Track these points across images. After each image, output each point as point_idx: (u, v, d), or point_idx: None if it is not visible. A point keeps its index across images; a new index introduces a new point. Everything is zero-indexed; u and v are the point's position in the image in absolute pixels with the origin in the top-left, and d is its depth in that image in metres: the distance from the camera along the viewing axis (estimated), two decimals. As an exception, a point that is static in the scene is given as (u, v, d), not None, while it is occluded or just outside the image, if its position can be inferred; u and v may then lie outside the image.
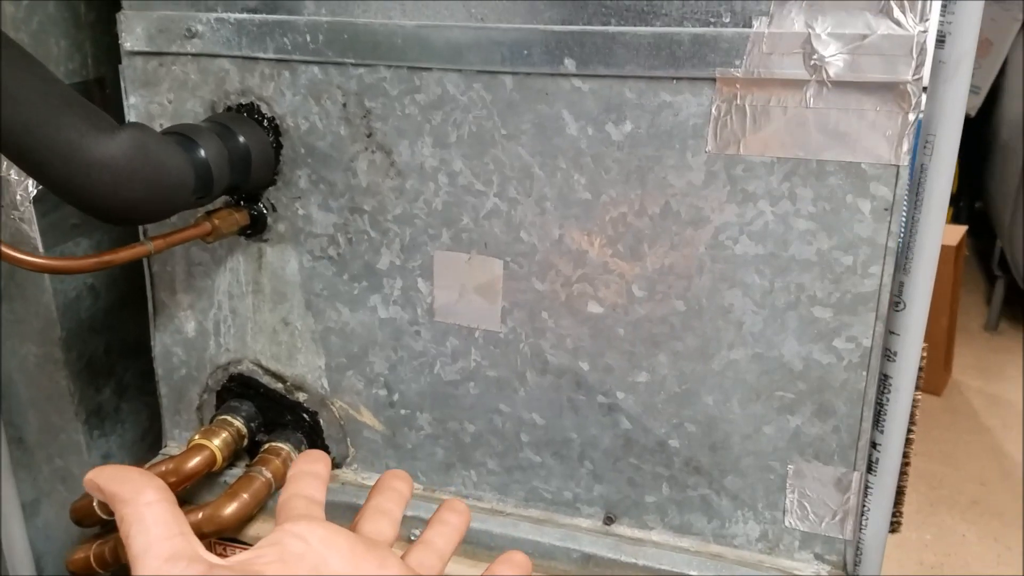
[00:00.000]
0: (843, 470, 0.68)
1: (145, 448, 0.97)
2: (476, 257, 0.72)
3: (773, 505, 0.70)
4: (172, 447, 0.89)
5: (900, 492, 0.93)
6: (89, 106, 0.61)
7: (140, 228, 0.79)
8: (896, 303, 0.65)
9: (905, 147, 0.59)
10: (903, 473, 0.92)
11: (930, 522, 2.68)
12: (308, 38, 0.70)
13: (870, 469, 0.69)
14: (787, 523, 0.70)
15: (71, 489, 0.94)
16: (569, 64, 0.64)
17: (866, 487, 0.70)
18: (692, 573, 0.71)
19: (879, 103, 0.59)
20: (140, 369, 0.96)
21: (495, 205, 0.70)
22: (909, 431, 0.85)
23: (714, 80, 0.62)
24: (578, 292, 0.70)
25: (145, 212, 0.63)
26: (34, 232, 0.83)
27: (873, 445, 0.69)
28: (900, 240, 0.64)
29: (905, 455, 0.87)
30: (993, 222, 3.66)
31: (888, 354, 0.66)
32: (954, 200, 3.65)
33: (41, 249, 0.83)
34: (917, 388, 0.82)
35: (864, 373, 0.65)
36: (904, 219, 0.63)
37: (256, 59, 0.72)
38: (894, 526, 0.95)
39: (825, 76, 0.59)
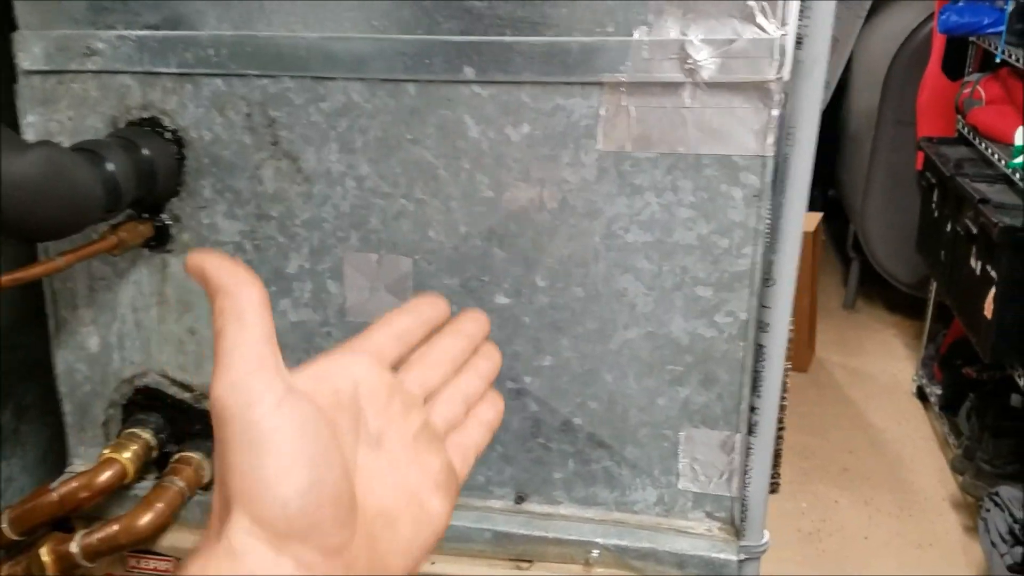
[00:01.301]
0: (727, 433, 0.75)
1: (47, 469, 0.96)
2: (386, 257, 0.75)
3: (668, 471, 0.77)
4: (78, 464, 0.88)
5: (777, 455, 1.02)
6: (-4, 124, 0.61)
7: (40, 245, 0.79)
8: (767, 279, 0.72)
9: (770, 140, 0.67)
10: (779, 437, 1.01)
11: (805, 491, 2.86)
12: (211, 52, 0.72)
13: (751, 432, 0.77)
14: (681, 486, 0.77)
15: (-31, 516, 0.92)
16: (469, 72, 0.69)
17: (748, 448, 0.77)
18: (598, 540, 0.77)
19: (747, 101, 0.66)
20: (39, 390, 0.94)
21: (402, 206, 0.74)
22: (782, 399, 0.94)
23: (601, 84, 0.68)
24: (484, 285, 0.75)
25: (58, 228, 0.64)
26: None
27: (752, 409, 0.76)
28: (768, 223, 0.71)
29: (780, 421, 0.96)
30: (846, 208, 3.93)
31: (762, 325, 0.74)
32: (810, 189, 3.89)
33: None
34: (787, 358, 0.90)
35: (742, 344, 0.73)
36: (771, 204, 0.71)
37: (158, 74, 0.73)
38: (773, 487, 1.04)
39: (699, 78, 0.66)
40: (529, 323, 0.75)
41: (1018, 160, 2.40)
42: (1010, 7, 2.59)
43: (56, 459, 0.96)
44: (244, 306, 0.37)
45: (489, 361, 0.52)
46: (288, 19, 0.70)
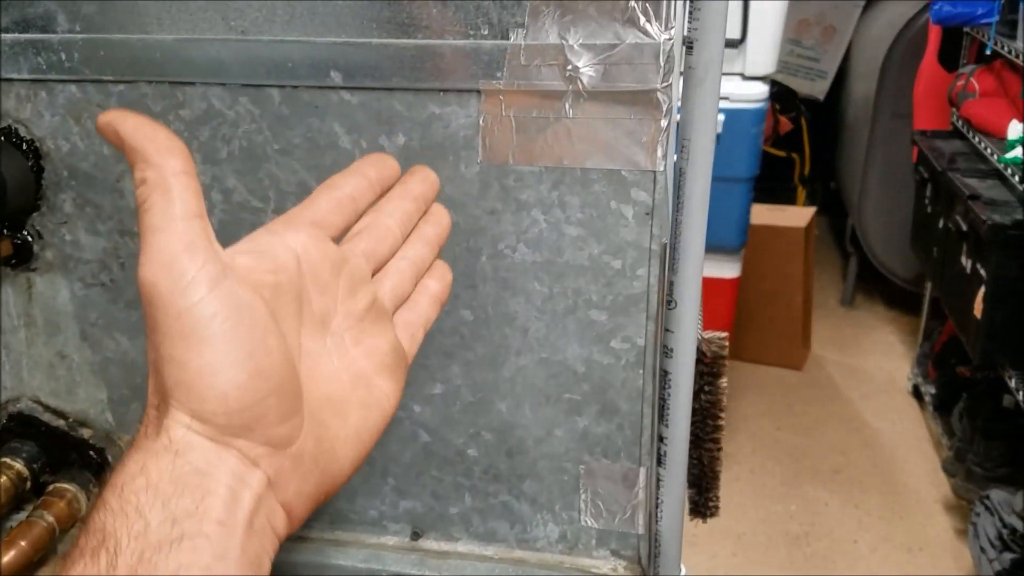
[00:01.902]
0: (630, 466, 0.69)
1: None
2: (259, 277, 0.70)
3: (569, 505, 0.71)
4: (-48, 494, 0.83)
5: (715, 477, 0.96)
6: None
7: None
8: (669, 301, 0.66)
9: (660, 153, 0.61)
10: (716, 459, 0.95)
11: (794, 494, 2.80)
12: (63, 56, 0.66)
13: (660, 463, 0.71)
14: (583, 522, 0.72)
15: None
16: (336, 76, 0.63)
17: (658, 480, 0.72)
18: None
19: (633, 111, 0.60)
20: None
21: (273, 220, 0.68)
22: (717, 419, 0.88)
23: (479, 92, 0.62)
24: (364, 308, 0.69)
25: None
26: None
27: (661, 439, 0.70)
28: (668, 241, 0.65)
29: (715, 440, 0.90)
30: (844, 201, 3.85)
31: (666, 351, 0.68)
32: (808, 182, 3.82)
33: None
34: (713, 378, 0.84)
35: (641, 371, 0.67)
36: (669, 221, 0.65)
37: (11, 80, 0.68)
38: (712, 510, 0.98)
39: (581, 86, 0.60)
40: (417, 349, 0.69)
41: (1010, 155, 2.33)
42: (1002, -3, 2.51)
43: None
44: (169, 177, 0.34)
45: (437, 226, 0.49)
46: (141, 19, 0.64)
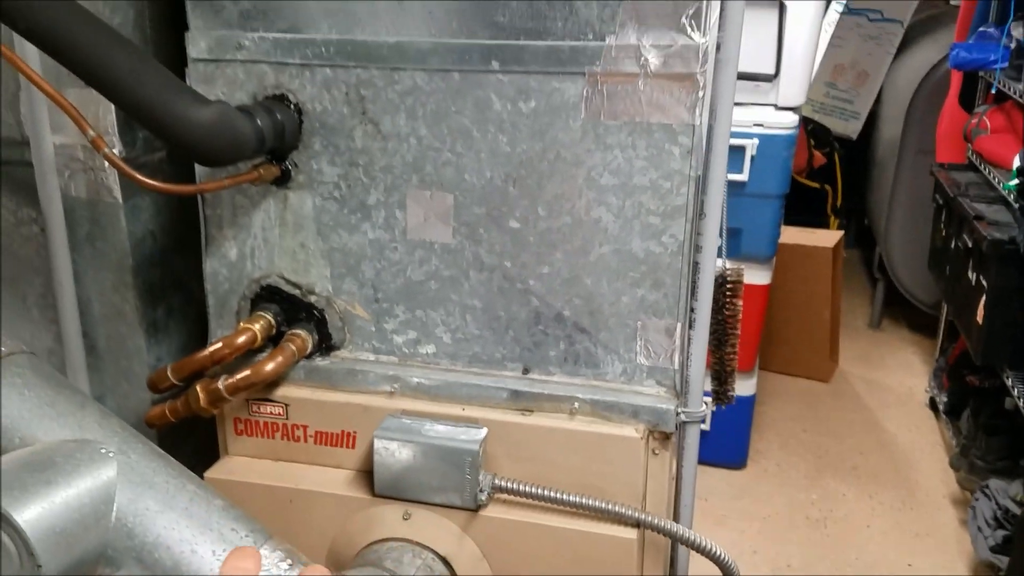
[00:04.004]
0: (671, 321, 1.06)
1: (187, 352, 1.31)
2: (436, 193, 1.09)
3: (629, 349, 1.09)
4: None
5: (731, 373, 1.32)
6: (188, 87, 0.97)
7: (197, 173, 1.14)
8: (701, 213, 1.04)
9: (697, 112, 0.99)
10: (732, 360, 1.30)
11: (816, 485, 3.11)
12: (323, 50, 1.07)
13: (691, 326, 1.08)
14: (639, 361, 1.09)
15: (132, 384, 1.27)
16: (495, 64, 1.03)
17: (689, 340, 1.08)
18: (580, 396, 1.09)
19: (681, 86, 0.98)
20: (183, 297, 1.30)
21: (448, 157, 1.07)
22: (734, 329, 1.23)
23: (584, 74, 1.01)
24: (503, 213, 1.08)
25: (225, 158, 0.99)
26: (115, 185, 1.17)
27: (691, 309, 1.07)
28: (701, 173, 1.03)
29: (732, 346, 1.25)
30: (873, 231, 4.18)
31: (697, 248, 1.05)
32: (840, 212, 4.16)
33: (120, 199, 1.17)
34: (732, 297, 1.19)
35: (680, 258, 1.04)
36: (703, 159, 1.02)
37: (286, 64, 1.09)
38: (729, 399, 1.34)
39: (648, 70, 0.99)
40: (533, 241, 1.08)
41: (1013, 182, 2.66)
42: (1013, 45, 2.86)
43: (194, 347, 1.31)
44: None
45: None
46: (376, 28, 1.05)
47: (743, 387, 3.01)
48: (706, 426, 3.02)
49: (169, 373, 1.12)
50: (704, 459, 3.41)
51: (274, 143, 1.06)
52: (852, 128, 4.30)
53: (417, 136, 1.08)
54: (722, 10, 0.97)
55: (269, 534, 0.92)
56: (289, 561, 0.92)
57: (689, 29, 0.96)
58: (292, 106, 1.10)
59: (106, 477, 0.89)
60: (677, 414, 1.07)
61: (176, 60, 1.14)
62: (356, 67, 1.07)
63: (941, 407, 3.27)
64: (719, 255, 1.38)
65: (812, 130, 4.02)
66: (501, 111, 1.04)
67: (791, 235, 3.52)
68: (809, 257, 3.45)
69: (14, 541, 0.79)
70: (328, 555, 1.12)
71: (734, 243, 2.74)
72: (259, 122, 1.02)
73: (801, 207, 4.24)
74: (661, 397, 1.09)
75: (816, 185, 4.04)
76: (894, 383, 3.74)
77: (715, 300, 1.27)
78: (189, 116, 0.94)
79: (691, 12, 0.96)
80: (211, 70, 1.11)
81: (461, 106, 1.05)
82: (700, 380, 1.10)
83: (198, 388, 1.09)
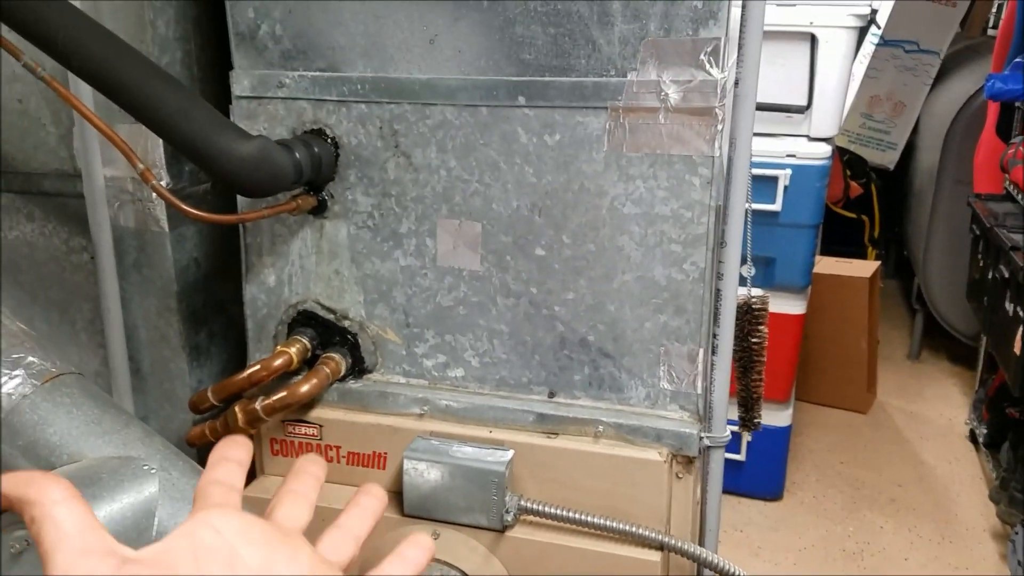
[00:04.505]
0: (693, 347, 1.09)
1: (227, 375, 1.36)
2: (464, 222, 1.13)
3: (653, 375, 1.11)
4: (253, 367, 1.27)
5: (757, 399, 1.34)
6: (231, 123, 1.03)
7: (239, 204, 1.20)
8: (722, 242, 1.07)
9: (716, 145, 1.02)
10: (758, 387, 1.32)
11: (853, 517, 3.07)
12: (358, 87, 1.12)
13: (714, 352, 1.11)
14: (662, 386, 1.11)
15: (175, 406, 1.32)
16: (521, 100, 1.07)
17: (712, 365, 1.11)
18: (604, 419, 1.11)
19: (700, 120, 1.02)
20: (224, 321, 1.35)
21: (476, 188, 1.12)
22: (760, 356, 1.26)
23: (607, 108, 1.05)
24: (529, 241, 1.12)
25: (265, 189, 1.04)
26: (162, 215, 1.23)
27: (714, 335, 1.10)
28: (721, 202, 1.06)
29: (759, 373, 1.27)
30: (911, 261, 4.15)
31: (719, 275, 1.08)
32: (877, 243, 4.14)
33: (166, 228, 1.23)
34: (758, 325, 1.21)
35: (702, 285, 1.07)
36: (723, 189, 1.06)
37: (324, 100, 1.14)
38: (755, 425, 1.36)
39: (669, 105, 1.02)
40: (558, 268, 1.12)
41: (1048, 211, 2.64)
42: (1047, 76, 2.85)
43: (233, 370, 1.36)
44: (52, 509, 0.38)
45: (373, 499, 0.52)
46: (408, 66, 1.10)
47: (779, 418, 3.00)
48: (742, 457, 3.02)
49: (209, 394, 1.16)
50: (740, 490, 3.40)
51: (311, 175, 1.12)
52: (889, 158, 4.29)
53: (447, 168, 1.12)
54: (740, 46, 1.01)
55: (302, 549, 0.96)
56: None
57: (708, 65, 1.00)
58: (329, 140, 1.15)
59: (148, 492, 0.94)
60: (700, 438, 1.09)
61: (221, 98, 1.20)
62: (389, 103, 1.12)
63: (981, 439, 3.23)
64: (743, 283, 1.40)
65: (848, 160, 4.02)
66: (527, 144, 1.09)
67: (827, 265, 3.52)
68: (845, 287, 3.44)
69: (61, 551, 0.84)
70: (360, 573, 1.15)
71: (768, 272, 2.75)
72: (297, 155, 1.07)
73: (838, 237, 4.23)
74: (684, 421, 1.11)
75: (853, 215, 4.04)
76: (933, 415, 3.69)
77: (740, 328, 1.30)
78: (232, 150, 0.99)
79: (709, 49, 0.99)
80: (254, 107, 1.17)
81: (489, 139, 1.10)
82: (724, 405, 1.12)
83: (236, 409, 1.14)
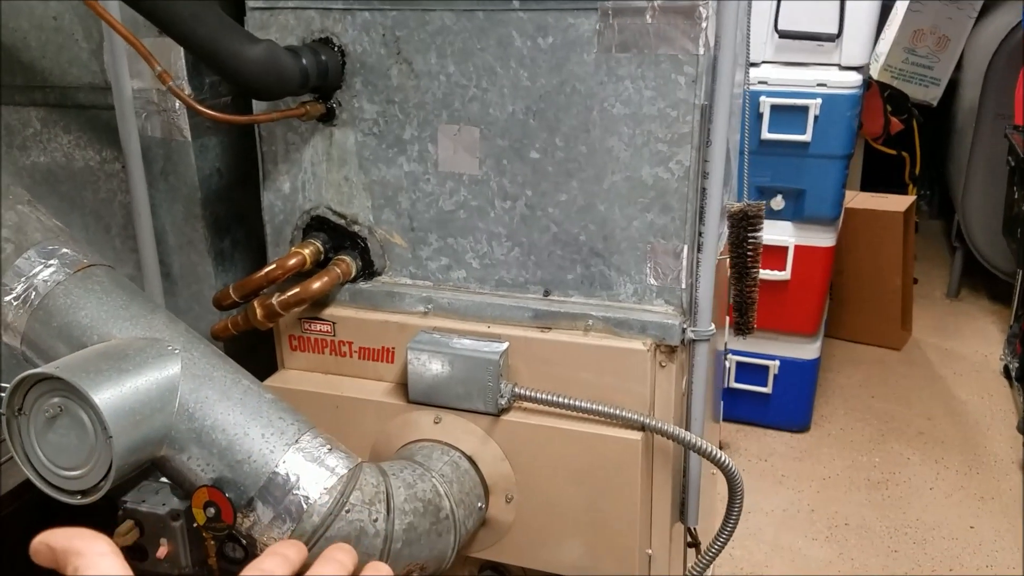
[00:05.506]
0: (678, 243, 1.14)
1: (249, 279, 1.44)
2: (463, 127, 1.19)
3: (640, 272, 1.17)
4: (271, 269, 1.36)
5: (751, 304, 1.38)
6: (240, 28, 1.09)
7: (254, 109, 1.27)
8: (707, 141, 1.11)
9: (701, 43, 1.06)
10: (752, 291, 1.37)
11: (879, 448, 3.10)
12: (362, -5, 1.18)
13: (699, 249, 1.15)
14: (649, 282, 1.17)
15: (202, 307, 1.41)
16: (515, 3, 1.12)
17: (697, 263, 1.16)
18: (594, 314, 1.17)
19: (686, 19, 1.06)
20: (245, 230, 1.44)
21: (474, 92, 1.17)
22: (754, 262, 1.29)
23: (597, 9, 1.09)
24: (524, 145, 1.17)
25: (273, 91, 1.11)
26: (185, 125, 1.31)
27: (699, 233, 1.15)
28: (707, 101, 1.10)
29: (752, 277, 1.31)
30: (951, 199, 4.09)
31: (704, 174, 1.12)
32: (919, 182, 4.08)
33: (189, 137, 1.31)
34: (752, 231, 1.25)
35: (687, 183, 1.11)
36: (708, 88, 1.09)
37: (330, 9, 1.20)
38: (749, 329, 1.40)
39: (655, 4, 1.06)
40: (552, 171, 1.17)
41: (1085, 140, 2.59)
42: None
43: (257, 269, 1.44)
44: (98, 560, 0.41)
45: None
46: (409, -25, 1.15)
47: (807, 351, 3.02)
48: (768, 389, 3.06)
49: (231, 291, 1.25)
50: (766, 422, 3.44)
51: (318, 81, 1.18)
52: (932, 94, 4.20)
53: (446, 73, 1.18)
54: (724, -53, 1.04)
55: (312, 424, 1.04)
56: (328, 447, 1.04)
57: (692, -35, 1.03)
58: (336, 48, 1.21)
59: (172, 371, 1.03)
60: (683, 330, 1.15)
61: (237, 9, 1.27)
62: (392, 10, 1.17)
63: (1013, 373, 3.21)
64: (740, 194, 1.44)
65: (889, 96, 3.95)
66: (521, 47, 1.13)
67: (862, 200, 3.49)
68: (879, 222, 3.42)
69: (90, 417, 0.93)
70: (370, 454, 1.24)
71: (797, 205, 2.76)
72: (304, 61, 1.14)
73: (880, 176, 4.18)
74: (668, 314, 1.16)
75: (893, 152, 3.98)
76: (969, 352, 3.67)
77: (736, 234, 1.34)
78: (241, 52, 1.06)
79: (693, -52, 1.03)
80: (265, 17, 1.24)
81: (485, 43, 1.15)
82: (708, 301, 1.17)
83: (255, 304, 1.22)
